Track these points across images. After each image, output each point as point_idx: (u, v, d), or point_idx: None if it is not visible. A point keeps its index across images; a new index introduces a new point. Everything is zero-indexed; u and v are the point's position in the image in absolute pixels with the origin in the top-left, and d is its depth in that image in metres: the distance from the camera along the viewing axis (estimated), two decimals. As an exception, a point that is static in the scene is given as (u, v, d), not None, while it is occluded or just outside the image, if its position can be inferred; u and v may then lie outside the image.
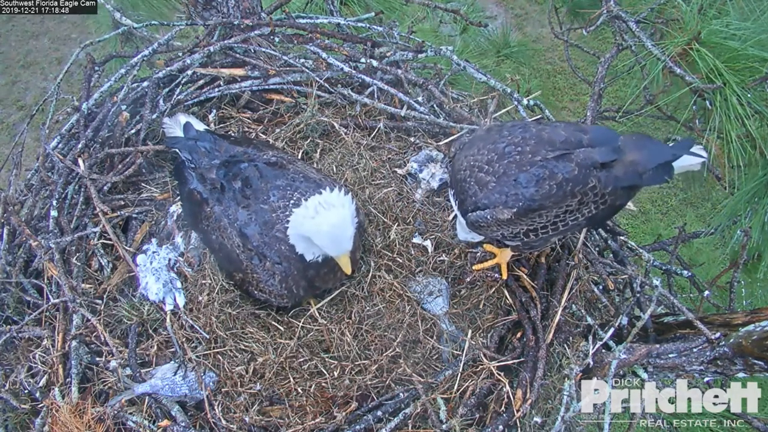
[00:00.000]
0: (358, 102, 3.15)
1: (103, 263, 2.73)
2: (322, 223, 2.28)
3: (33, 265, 2.78)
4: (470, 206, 2.33)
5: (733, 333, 2.25)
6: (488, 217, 2.27)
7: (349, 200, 2.38)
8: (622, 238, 3.00)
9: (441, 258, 2.78)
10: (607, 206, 2.29)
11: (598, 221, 2.46)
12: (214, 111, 3.18)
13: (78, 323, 2.51)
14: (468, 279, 2.72)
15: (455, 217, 2.63)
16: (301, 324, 2.57)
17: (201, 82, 3.20)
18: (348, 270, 2.42)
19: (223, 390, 2.46)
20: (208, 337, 2.53)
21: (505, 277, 2.67)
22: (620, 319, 2.58)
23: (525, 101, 3.13)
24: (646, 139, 2.31)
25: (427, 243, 2.81)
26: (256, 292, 2.54)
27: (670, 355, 2.39)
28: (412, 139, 3.12)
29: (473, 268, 2.72)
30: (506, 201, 2.23)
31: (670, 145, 2.34)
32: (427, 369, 2.55)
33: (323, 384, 2.46)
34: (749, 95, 2.55)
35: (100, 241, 2.76)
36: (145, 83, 3.09)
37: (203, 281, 2.67)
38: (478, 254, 2.76)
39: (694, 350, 2.33)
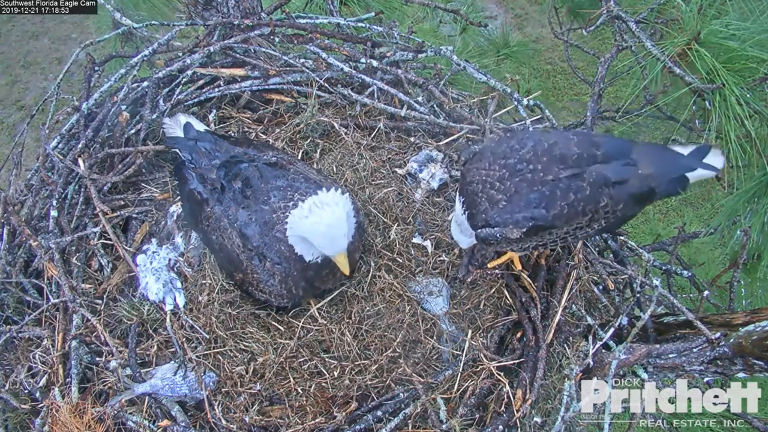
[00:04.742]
0: (358, 102, 3.15)
1: (103, 263, 2.73)
2: (318, 222, 2.29)
3: (33, 265, 2.78)
4: (480, 222, 2.33)
5: (733, 333, 2.25)
6: (497, 235, 2.27)
7: (344, 199, 2.38)
8: (622, 238, 3.00)
9: (441, 258, 2.79)
10: (618, 219, 2.29)
11: (606, 231, 2.46)
12: (214, 111, 3.18)
13: (78, 323, 2.52)
14: (469, 279, 2.72)
15: (452, 218, 2.62)
16: (301, 324, 2.57)
17: (201, 82, 3.20)
18: (346, 270, 2.41)
19: (223, 390, 2.46)
20: (208, 337, 2.53)
21: (518, 267, 2.66)
22: (620, 319, 2.59)
23: (525, 101, 3.13)
24: (660, 151, 2.26)
25: (427, 243, 2.82)
26: (256, 292, 2.54)
27: (670, 355, 2.40)
28: (412, 139, 3.12)
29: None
30: (517, 221, 2.22)
31: (686, 154, 2.27)
32: (427, 369, 2.55)
33: (323, 384, 2.46)
34: (748, 95, 2.55)
35: (100, 241, 2.76)
36: (145, 83, 3.08)
37: (203, 281, 2.67)
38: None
39: (694, 350, 2.34)
